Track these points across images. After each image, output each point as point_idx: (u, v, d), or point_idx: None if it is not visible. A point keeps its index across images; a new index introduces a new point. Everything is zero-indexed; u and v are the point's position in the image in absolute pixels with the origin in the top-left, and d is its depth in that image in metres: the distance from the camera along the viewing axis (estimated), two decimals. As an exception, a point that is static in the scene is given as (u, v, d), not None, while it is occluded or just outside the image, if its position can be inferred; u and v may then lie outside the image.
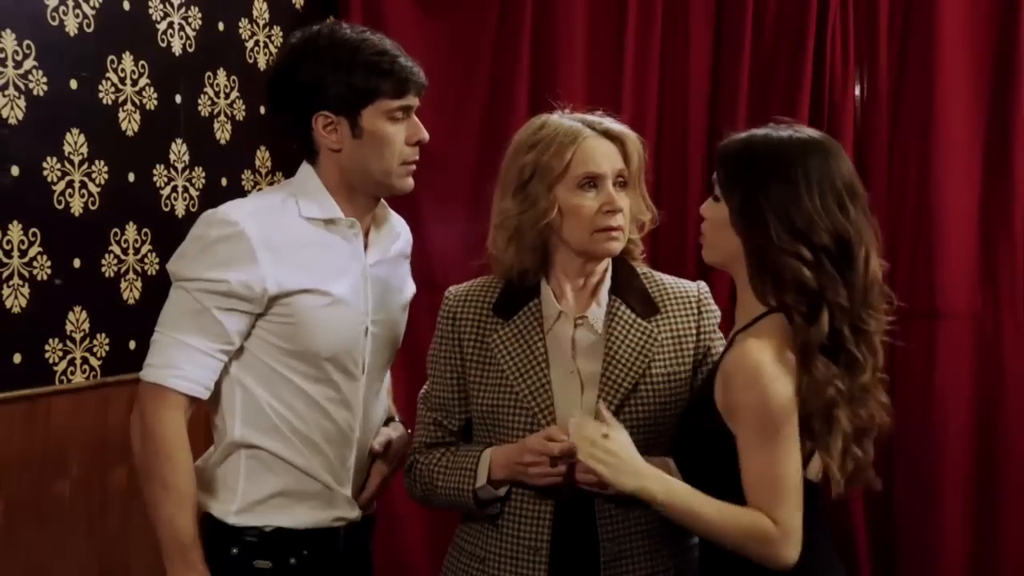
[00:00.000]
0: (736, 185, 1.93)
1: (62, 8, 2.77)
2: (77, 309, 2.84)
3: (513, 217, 2.15)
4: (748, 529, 1.90)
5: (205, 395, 2.10)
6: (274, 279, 2.08)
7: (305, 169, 2.20)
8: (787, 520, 1.89)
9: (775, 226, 1.86)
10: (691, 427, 2.03)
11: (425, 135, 2.19)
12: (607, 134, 2.16)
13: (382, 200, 2.26)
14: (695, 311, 2.22)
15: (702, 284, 2.26)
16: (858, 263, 1.87)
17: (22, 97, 2.66)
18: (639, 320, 2.18)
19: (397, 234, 2.34)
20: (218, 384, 2.12)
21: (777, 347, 1.89)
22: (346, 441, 2.20)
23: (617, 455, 1.96)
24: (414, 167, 2.20)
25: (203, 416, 2.21)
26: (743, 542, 1.91)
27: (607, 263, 2.22)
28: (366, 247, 2.22)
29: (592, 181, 2.13)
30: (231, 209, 2.12)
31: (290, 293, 2.09)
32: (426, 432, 2.26)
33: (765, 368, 1.87)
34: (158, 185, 3.10)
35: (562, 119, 2.18)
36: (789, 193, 1.87)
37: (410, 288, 2.38)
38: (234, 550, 2.12)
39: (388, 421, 2.36)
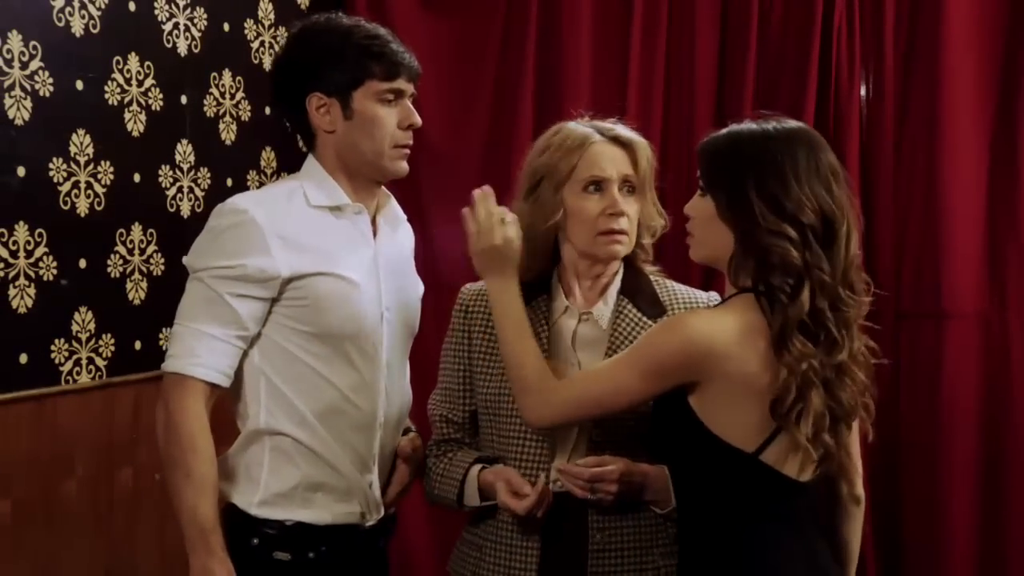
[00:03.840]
0: (724, 179, 1.95)
1: (68, 9, 2.77)
2: (83, 309, 2.84)
3: (525, 218, 2.18)
4: (526, 372, 2.04)
5: (225, 382, 2.12)
6: (286, 263, 2.10)
7: (309, 159, 2.25)
8: (559, 390, 2.02)
9: (763, 210, 1.88)
10: (660, 416, 2.04)
11: (418, 120, 2.21)
12: (616, 140, 2.21)
13: (384, 188, 2.29)
14: None
15: (713, 294, 2.27)
16: (840, 240, 1.89)
17: (28, 98, 2.66)
18: (645, 319, 2.20)
19: (401, 219, 2.36)
20: (241, 373, 2.15)
21: (720, 315, 1.92)
22: (370, 429, 2.21)
23: (499, 249, 2.10)
24: (407, 151, 2.23)
25: (225, 409, 2.21)
26: (514, 378, 2.07)
27: (617, 265, 2.24)
28: (374, 233, 2.25)
29: (597, 184, 2.18)
30: (240, 199, 2.17)
31: (303, 276, 2.12)
32: (436, 430, 2.33)
33: (685, 320, 1.96)
34: (164, 186, 3.10)
35: (577, 125, 2.24)
36: (778, 182, 1.89)
37: (420, 282, 2.40)
38: (254, 541, 2.14)
39: (406, 431, 2.37)
